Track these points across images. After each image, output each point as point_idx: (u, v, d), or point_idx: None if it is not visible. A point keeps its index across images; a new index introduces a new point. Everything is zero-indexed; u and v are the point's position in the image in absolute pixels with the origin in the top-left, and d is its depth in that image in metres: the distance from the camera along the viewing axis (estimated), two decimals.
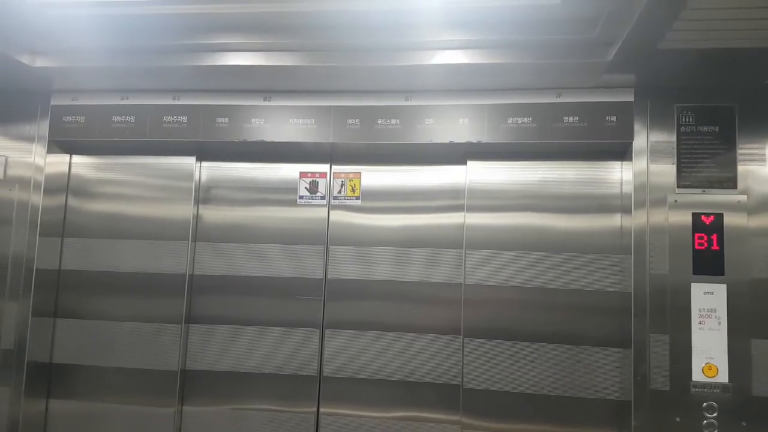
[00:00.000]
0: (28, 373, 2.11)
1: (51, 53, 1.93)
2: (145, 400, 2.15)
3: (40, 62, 1.94)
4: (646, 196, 1.85)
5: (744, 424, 1.72)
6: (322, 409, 2.09)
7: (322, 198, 2.18)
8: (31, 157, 2.16)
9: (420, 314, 2.08)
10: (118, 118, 2.12)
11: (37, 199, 2.14)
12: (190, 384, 2.16)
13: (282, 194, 2.19)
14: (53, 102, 2.16)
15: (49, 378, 2.21)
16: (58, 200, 2.24)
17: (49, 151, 2.17)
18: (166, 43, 1.86)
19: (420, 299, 2.09)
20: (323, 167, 2.20)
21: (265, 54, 1.86)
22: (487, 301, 2.02)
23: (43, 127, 2.16)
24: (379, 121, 2.01)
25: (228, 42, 1.84)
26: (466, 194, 2.08)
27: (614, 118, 1.88)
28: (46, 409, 2.21)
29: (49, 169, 2.18)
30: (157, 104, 2.10)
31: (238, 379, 2.13)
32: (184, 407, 2.15)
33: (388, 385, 2.06)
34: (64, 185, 2.26)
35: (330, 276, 2.14)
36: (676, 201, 1.83)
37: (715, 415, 1.73)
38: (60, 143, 2.20)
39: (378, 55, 1.81)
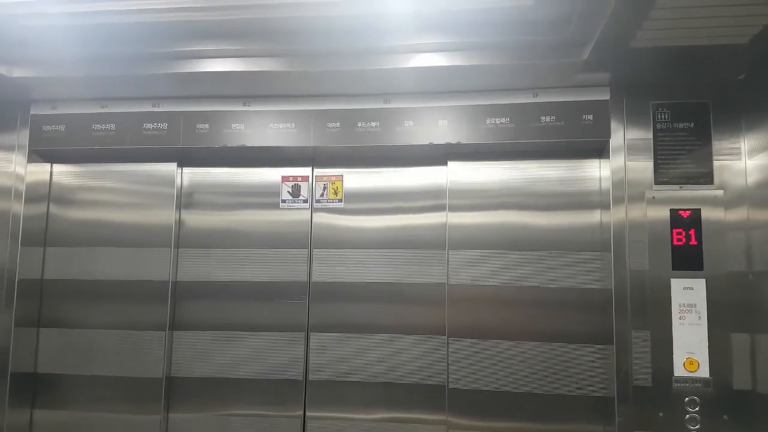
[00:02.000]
0: (12, 383, 2.10)
1: (29, 63, 1.93)
2: (130, 408, 2.13)
3: (17, 72, 1.94)
4: (624, 193, 1.86)
5: (726, 417, 1.73)
6: (308, 413, 2.09)
7: (305, 201, 2.18)
8: (12, 167, 2.15)
9: (404, 315, 2.08)
10: (98, 126, 2.11)
11: (19, 209, 2.13)
12: (176, 391, 2.15)
13: (264, 198, 2.19)
14: (33, 111, 2.15)
15: (33, 388, 2.19)
16: (40, 209, 2.23)
17: (30, 160, 2.16)
18: (145, 51, 1.87)
19: (404, 300, 2.09)
20: (305, 171, 2.20)
21: (244, 60, 1.87)
22: (470, 300, 2.03)
23: (23, 137, 2.15)
24: (359, 124, 2.02)
25: (206, 49, 1.85)
26: (447, 194, 2.09)
27: (591, 117, 1.90)
28: (31, 419, 2.19)
29: (30, 179, 2.17)
30: (137, 111, 2.10)
31: (224, 385, 2.12)
32: (170, 414, 2.14)
33: (374, 386, 2.07)
34: (45, 194, 2.25)
35: (314, 279, 2.14)
36: (653, 197, 1.84)
37: (697, 409, 1.74)
38: (40, 152, 2.19)
39: (356, 59, 1.82)
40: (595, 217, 2.00)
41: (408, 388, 2.05)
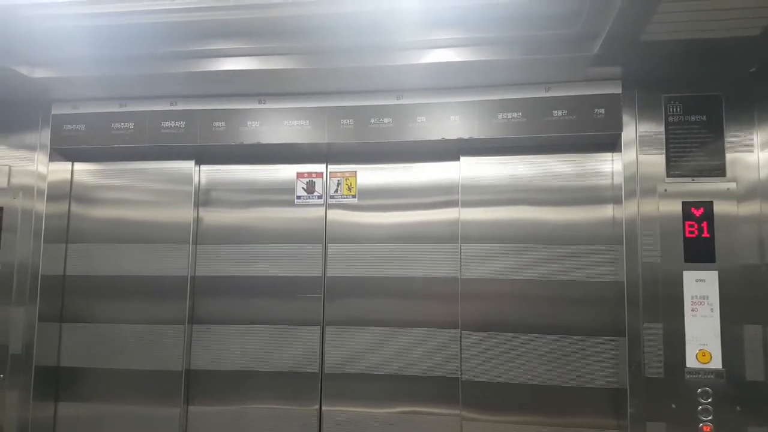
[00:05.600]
0: (36, 377, 2.15)
1: (49, 64, 1.98)
2: (151, 401, 2.19)
3: (39, 73, 1.99)
4: (636, 186, 1.87)
5: (738, 408, 1.74)
6: (324, 407, 2.12)
7: (319, 197, 2.22)
8: (34, 166, 2.21)
9: (418, 309, 2.11)
10: (118, 124, 2.16)
11: (41, 207, 2.19)
12: (195, 384, 2.20)
13: (280, 195, 2.23)
14: (54, 111, 2.20)
15: (56, 382, 2.25)
16: (62, 207, 2.29)
17: (51, 159, 2.22)
18: (162, 50, 1.90)
19: (418, 294, 2.12)
20: (319, 167, 2.23)
21: (259, 58, 1.90)
22: (483, 294, 2.05)
23: (45, 136, 2.21)
24: (372, 121, 2.04)
25: (222, 48, 1.88)
26: (460, 189, 2.11)
27: (602, 111, 1.91)
28: (55, 412, 2.25)
29: (51, 177, 2.22)
30: (155, 110, 2.14)
31: (242, 378, 2.17)
32: (189, 407, 2.19)
33: (389, 379, 2.10)
34: (66, 192, 2.31)
35: (329, 274, 2.17)
36: (666, 190, 1.85)
37: (709, 400, 1.75)
38: (62, 151, 2.24)
39: (369, 56, 1.85)
40: (607, 210, 2.01)
41: (422, 381, 2.08)
